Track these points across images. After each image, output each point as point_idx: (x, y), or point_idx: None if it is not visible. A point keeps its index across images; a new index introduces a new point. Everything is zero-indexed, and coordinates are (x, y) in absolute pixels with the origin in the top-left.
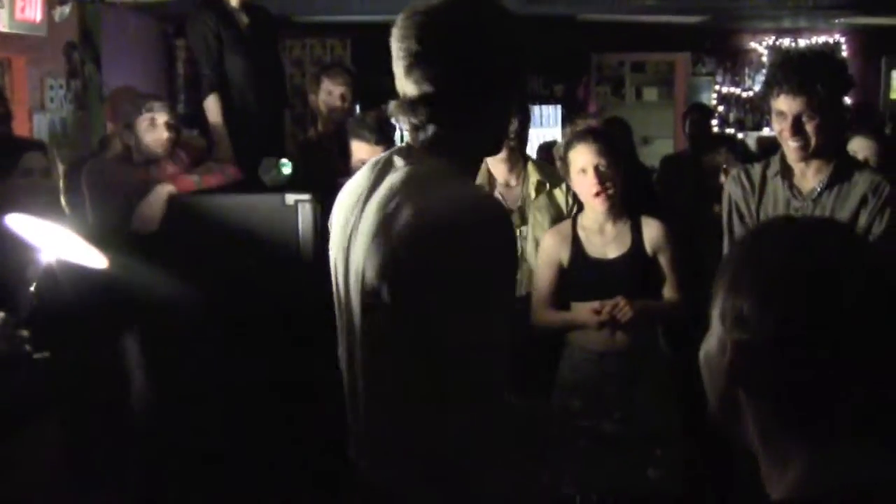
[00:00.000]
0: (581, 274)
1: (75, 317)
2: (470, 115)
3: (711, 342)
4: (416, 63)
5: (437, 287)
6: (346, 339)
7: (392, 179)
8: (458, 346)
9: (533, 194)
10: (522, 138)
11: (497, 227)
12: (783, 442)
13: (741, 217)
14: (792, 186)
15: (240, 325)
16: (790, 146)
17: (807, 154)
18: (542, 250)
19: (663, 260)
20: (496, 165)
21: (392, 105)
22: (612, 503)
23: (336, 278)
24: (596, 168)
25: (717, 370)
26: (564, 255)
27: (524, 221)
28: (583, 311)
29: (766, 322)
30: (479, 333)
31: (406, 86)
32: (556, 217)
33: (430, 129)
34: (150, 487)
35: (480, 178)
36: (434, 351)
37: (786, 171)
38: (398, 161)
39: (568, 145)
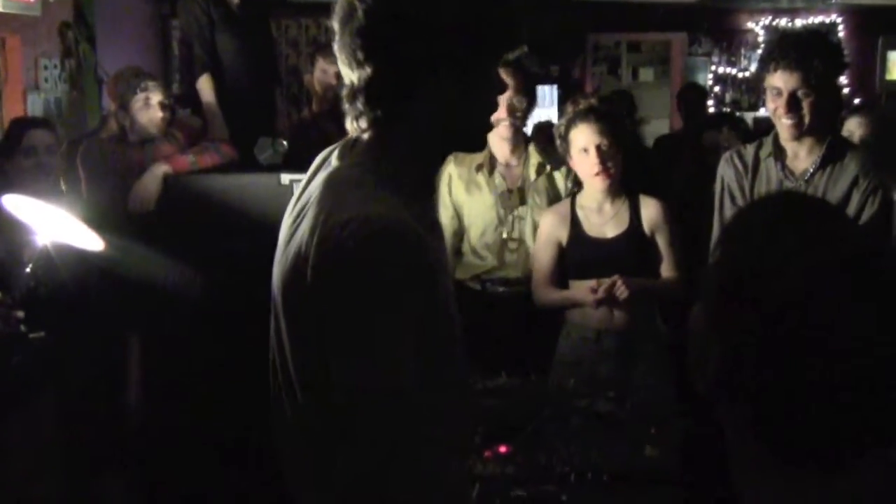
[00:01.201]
0: (580, 253)
1: (71, 297)
2: (424, 100)
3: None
4: (360, 41)
5: (316, 320)
6: (271, 354)
7: (315, 181)
8: (343, 390)
9: (533, 176)
10: (527, 119)
11: (395, 258)
12: (758, 468)
13: (733, 198)
14: (784, 167)
15: (234, 305)
16: (784, 123)
17: (800, 132)
18: (541, 229)
19: (661, 239)
20: (498, 145)
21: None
22: (607, 481)
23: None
24: (598, 147)
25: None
26: (563, 235)
27: (523, 202)
28: (581, 289)
29: (725, 332)
30: (368, 380)
31: (350, 72)
32: (555, 199)
33: (371, 118)
34: (144, 468)
35: (481, 157)
36: (325, 393)
37: (778, 152)
38: (334, 157)
39: (569, 124)
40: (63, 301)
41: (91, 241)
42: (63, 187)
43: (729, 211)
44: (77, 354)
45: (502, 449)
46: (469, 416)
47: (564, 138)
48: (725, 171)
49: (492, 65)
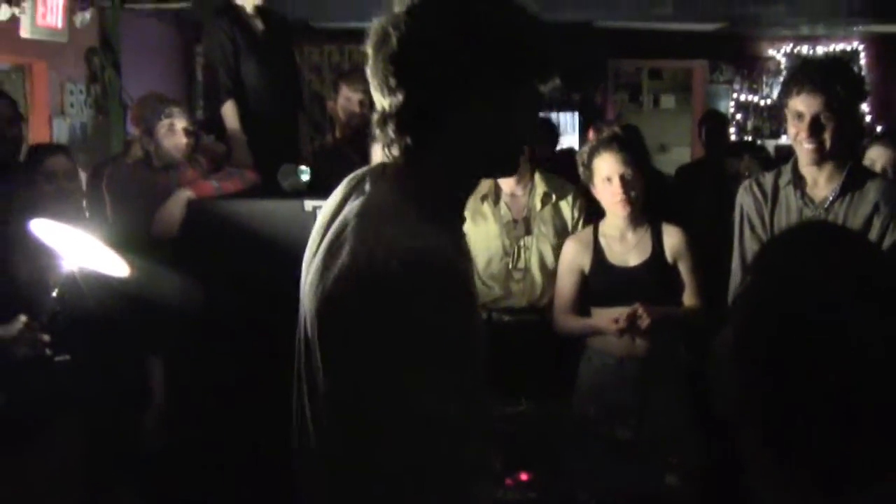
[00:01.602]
0: (602, 281)
1: (96, 322)
2: (457, 127)
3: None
4: (394, 67)
5: (357, 350)
6: (295, 381)
7: (350, 208)
8: (379, 423)
9: (539, 205)
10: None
11: (440, 291)
12: (776, 489)
13: (752, 227)
14: (804, 195)
15: (258, 331)
16: (805, 148)
17: (821, 157)
18: (563, 257)
19: (683, 267)
20: None
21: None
22: None
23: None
24: (622, 177)
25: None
26: (585, 262)
27: (529, 232)
28: (603, 318)
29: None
30: (404, 413)
31: (382, 98)
32: (561, 229)
33: (403, 144)
34: (164, 489)
35: (486, 187)
36: (359, 421)
37: (798, 180)
38: (367, 183)
39: (593, 152)
40: (88, 325)
41: (116, 266)
42: (87, 212)
43: (749, 240)
44: (101, 378)
45: (523, 476)
46: (490, 440)
47: (588, 166)
48: (744, 200)
49: (523, 93)
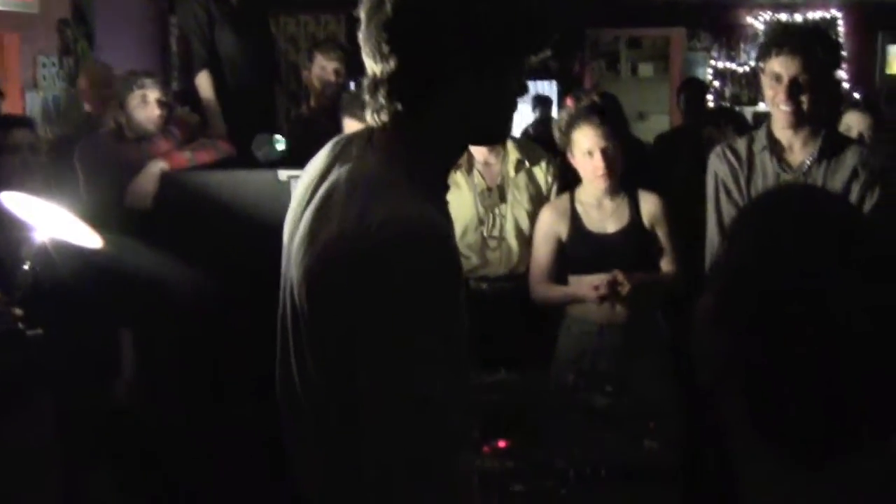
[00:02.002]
0: (580, 248)
1: (69, 295)
2: (449, 96)
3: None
4: (387, 34)
5: (346, 319)
6: (280, 347)
7: (337, 174)
8: (367, 393)
9: (512, 172)
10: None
11: (433, 261)
12: (754, 458)
13: (728, 194)
14: (781, 160)
15: (232, 301)
16: (782, 111)
17: (798, 120)
18: (540, 225)
19: (661, 233)
20: None
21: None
22: (605, 476)
23: (283, 269)
24: (604, 151)
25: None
26: (563, 230)
27: (503, 199)
28: (583, 286)
29: (728, 323)
30: (393, 384)
31: (374, 64)
32: (536, 195)
33: (393, 111)
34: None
35: None
36: (347, 389)
37: (773, 146)
38: (354, 148)
39: (573, 123)
40: (61, 298)
41: (89, 238)
42: (51, 184)
43: (726, 206)
44: (74, 351)
45: (501, 444)
46: (472, 409)
47: (566, 135)
48: (718, 167)
49: (515, 64)
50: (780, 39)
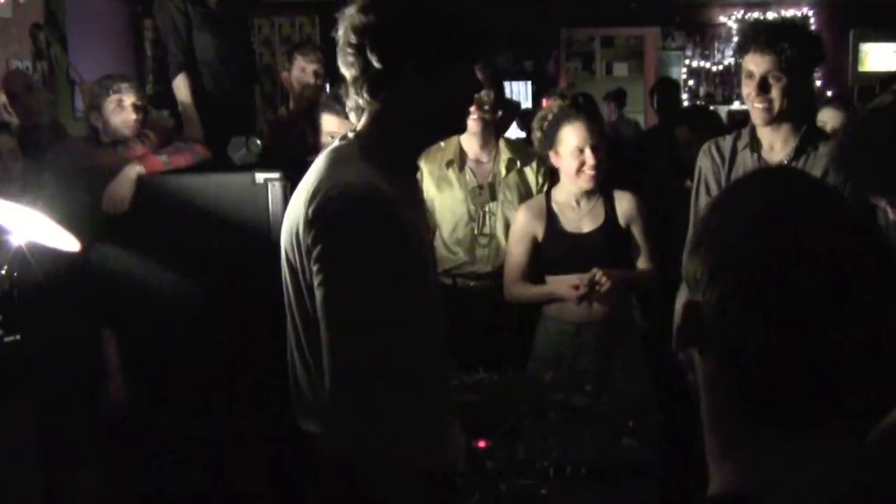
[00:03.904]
0: (556, 248)
1: (47, 299)
2: (415, 90)
3: (681, 300)
4: (347, 47)
5: (316, 268)
6: (288, 313)
7: (319, 157)
8: (329, 324)
9: (503, 171)
10: (496, 113)
11: (367, 213)
12: (728, 423)
13: (708, 191)
14: (760, 158)
15: (210, 305)
16: (755, 108)
17: (771, 117)
18: (516, 225)
19: (636, 232)
20: (468, 140)
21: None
22: (585, 474)
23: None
24: (594, 148)
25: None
26: (539, 230)
27: (494, 198)
28: (561, 285)
29: (715, 283)
30: (334, 309)
31: (346, 70)
32: (526, 195)
33: (360, 108)
34: (120, 472)
35: (451, 153)
36: (327, 321)
37: (755, 143)
38: (336, 140)
39: (559, 121)
40: (39, 302)
41: (66, 242)
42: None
43: (704, 202)
44: (53, 355)
45: (481, 444)
46: (444, 356)
47: (551, 134)
48: (703, 163)
49: (462, 64)
50: (752, 36)
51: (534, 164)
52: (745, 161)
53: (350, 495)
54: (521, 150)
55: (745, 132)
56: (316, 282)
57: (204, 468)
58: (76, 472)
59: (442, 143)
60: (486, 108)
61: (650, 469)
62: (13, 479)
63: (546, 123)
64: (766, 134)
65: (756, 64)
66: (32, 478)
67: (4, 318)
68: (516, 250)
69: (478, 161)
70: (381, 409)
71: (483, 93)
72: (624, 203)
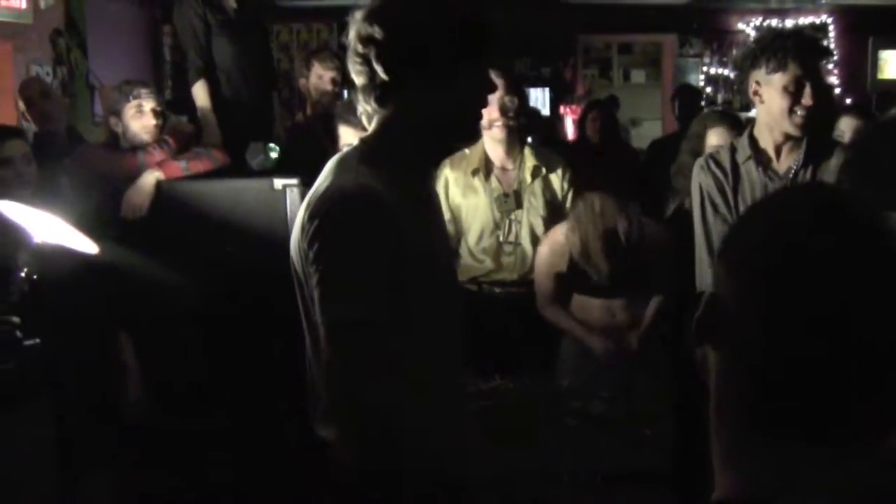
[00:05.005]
0: (581, 280)
1: (66, 303)
2: (425, 96)
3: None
4: (355, 56)
5: (312, 270)
6: (303, 320)
7: (326, 166)
8: (323, 324)
9: (529, 179)
10: (520, 119)
11: (352, 213)
12: (734, 426)
13: (716, 208)
14: (767, 169)
15: (227, 310)
16: (799, 115)
17: (809, 124)
18: (540, 259)
19: (657, 259)
20: (493, 147)
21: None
22: (601, 482)
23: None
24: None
25: None
26: (563, 265)
27: (520, 206)
28: (592, 339)
29: (735, 278)
30: (327, 307)
31: (356, 78)
32: (552, 202)
33: (370, 113)
34: (138, 475)
35: (476, 161)
36: (324, 318)
37: (758, 155)
38: (346, 147)
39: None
40: (58, 305)
41: (86, 246)
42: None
43: (713, 221)
44: (71, 358)
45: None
46: (459, 361)
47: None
48: (703, 179)
49: (471, 71)
50: (800, 45)
51: (559, 171)
52: (750, 174)
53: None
54: (546, 157)
55: (743, 144)
56: (312, 284)
57: (220, 471)
58: (94, 473)
59: (467, 151)
60: (511, 114)
61: (665, 477)
62: (32, 479)
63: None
64: (770, 143)
65: (797, 73)
66: (51, 478)
67: (23, 320)
68: (543, 281)
69: (503, 168)
70: (376, 410)
71: (507, 99)
72: (650, 231)
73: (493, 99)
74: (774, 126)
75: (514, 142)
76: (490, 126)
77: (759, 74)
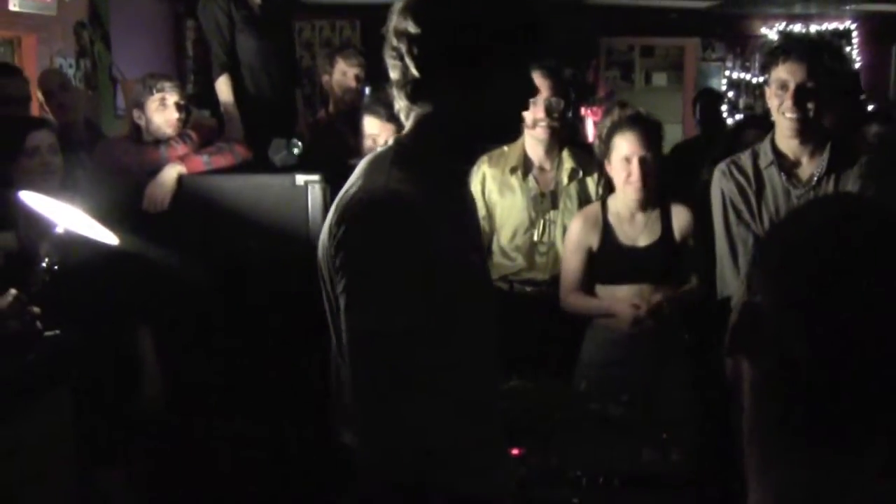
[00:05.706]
0: (611, 261)
1: (86, 295)
2: (460, 96)
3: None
4: (391, 50)
5: (338, 276)
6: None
7: (358, 165)
8: (348, 333)
9: (566, 180)
10: (564, 121)
11: (381, 218)
12: (770, 436)
13: (738, 214)
14: (790, 176)
15: (248, 306)
16: (788, 118)
17: (803, 129)
18: (571, 234)
19: (690, 247)
20: (534, 147)
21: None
22: (618, 485)
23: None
24: (642, 160)
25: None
26: (594, 241)
27: (555, 206)
28: (619, 304)
29: (775, 285)
30: (354, 316)
31: (392, 72)
32: (586, 204)
33: (407, 110)
34: (156, 466)
35: (515, 159)
36: (350, 328)
37: (780, 160)
38: (378, 147)
39: (615, 129)
40: (78, 297)
41: (107, 237)
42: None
43: (736, 227)
44: (91, 350)
45: (515, 451)
46: (494, 372)
47: (606, 142)
48: (725, 185)
49: (508, 72)
50: (787, 47)
51: (595, 175)
52: (773, 180)
53: None
54: (584, 160)
55: (765, 150)
56: (339, 290)
57: (237, 469)
58: (111, 468)
59: (506, 148)
60: (556, 115)
61: (684, 482)
62: (50, 472)
63: (605, 131)
64: (791, 149)
65: (792, 73)
66: (69, 470)
67: (44, 311)
68: (572, 259)
69: (541, 168)
70: (399, 424)
71: (554, 101)
72: (680, 218)
73: (540, 99)
74: (778, 127)
75: (554, 143)
76: (534, 126)
77: (769, 73)
